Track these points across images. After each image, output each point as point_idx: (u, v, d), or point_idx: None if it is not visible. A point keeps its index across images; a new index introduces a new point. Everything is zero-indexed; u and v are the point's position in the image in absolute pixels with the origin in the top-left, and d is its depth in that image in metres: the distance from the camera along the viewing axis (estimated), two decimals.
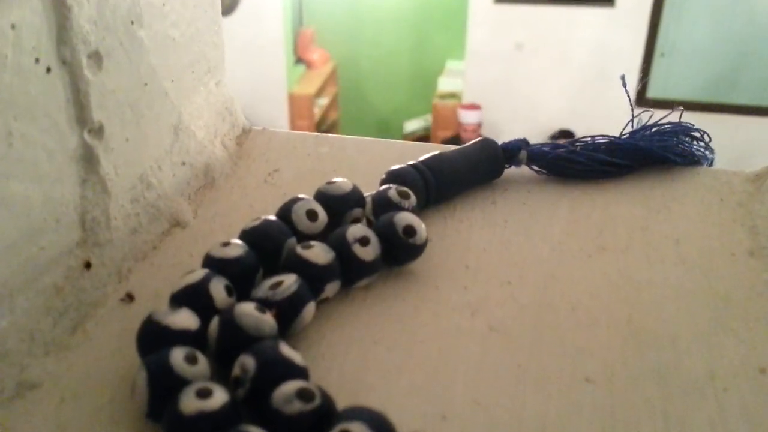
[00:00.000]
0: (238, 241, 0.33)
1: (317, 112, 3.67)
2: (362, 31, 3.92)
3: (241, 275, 0.32)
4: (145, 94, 0.35)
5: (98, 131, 0.32)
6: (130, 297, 0.33)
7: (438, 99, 3.56)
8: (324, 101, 3.79)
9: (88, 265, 0.33)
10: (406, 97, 4.01)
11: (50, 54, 0.28)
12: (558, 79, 3.28)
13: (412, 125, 3.90)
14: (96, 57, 0.31)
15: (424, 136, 3.80)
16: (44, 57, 0.28)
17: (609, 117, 3.28)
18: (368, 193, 0.37)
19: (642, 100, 3.22)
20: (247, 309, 0.28)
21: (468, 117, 3.32)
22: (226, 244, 0.32)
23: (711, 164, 0.45)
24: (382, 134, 4.12)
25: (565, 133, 3.25)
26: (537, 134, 3.34)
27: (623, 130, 0.44)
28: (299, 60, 3.69)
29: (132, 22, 0.33)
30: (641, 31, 3.12)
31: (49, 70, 0.28)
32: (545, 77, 3.25)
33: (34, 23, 0.27)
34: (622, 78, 0.46)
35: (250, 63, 3.29)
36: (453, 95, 3.54)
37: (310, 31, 3.78)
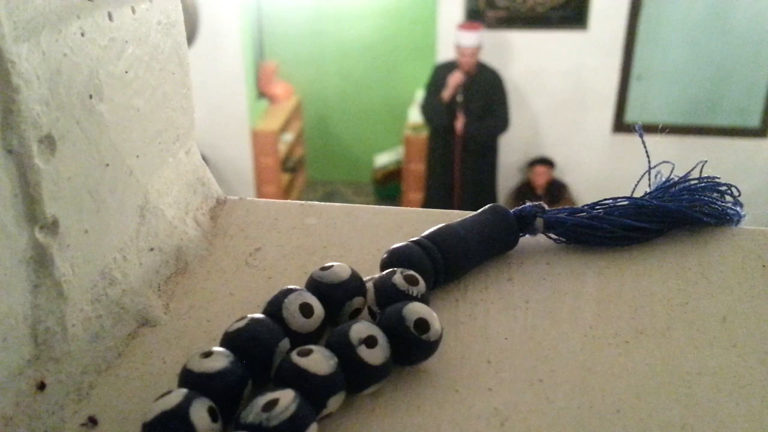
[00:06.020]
0: (221, 350, 0.29)
1: (282, 148, 3.63)
2: (327, 63, 3.91)
3: (226, 392, 0.28)
4: (106, 177, 0.31)
5: (52, 227, 0.28)
6: (92, 421, 0.29)
7: (409, 130, 3.55)
8: (289, 137, 3.76)
9: (41, 386, 0.29)
10: (375, 129, 4.00)
11: None
12: (532, 105, 3.30)
13: (383, 159, 3.88)
14: (48, 141, 0.27)
15: (395, 170, 3.78)
16: None
17: (586, 143, 3.31)
18: (368, 277, 0.34)
19: (619, 125, 3.26)
20: None
21: (467, 39, 2.94)
22: (207, 354, 0.29)
23: (740, 221, 0.42)
24: (351, 170, 4.10)
25: (544, 161, 3.26)
26: (514, 162, 3.35)
27: (635, 185, 0.42)
28: (261, 94, 3.66)
29: (90, 96, 0.29)
30: (616, 54, 3.16)
31: None
32: (520, 104, 3.26)
33: None
34: (639, 129, 0.43)
35: (209, 99, 3.24)
36: (425, 126, 3.52)
37: (273, 64, 3.76)
